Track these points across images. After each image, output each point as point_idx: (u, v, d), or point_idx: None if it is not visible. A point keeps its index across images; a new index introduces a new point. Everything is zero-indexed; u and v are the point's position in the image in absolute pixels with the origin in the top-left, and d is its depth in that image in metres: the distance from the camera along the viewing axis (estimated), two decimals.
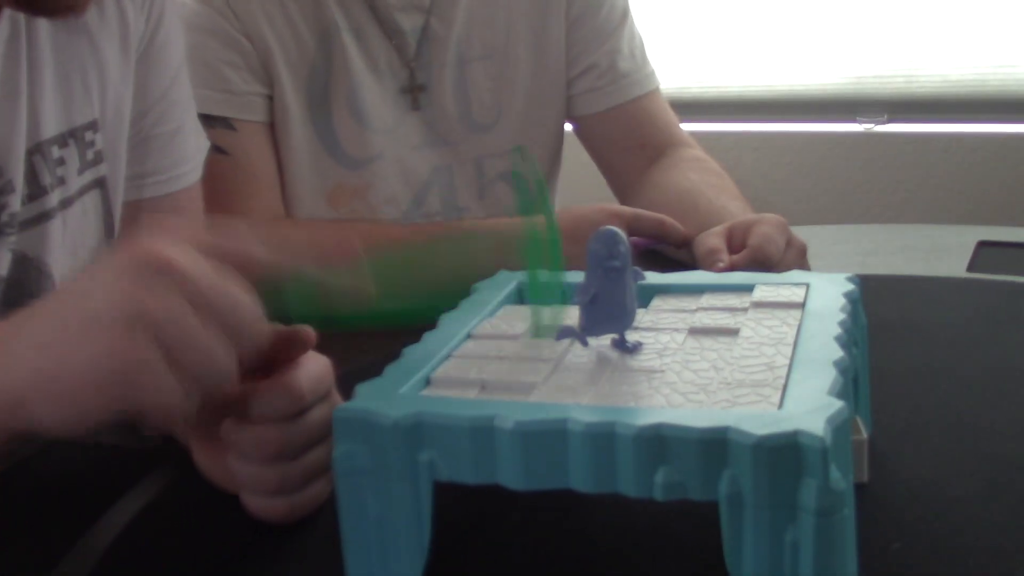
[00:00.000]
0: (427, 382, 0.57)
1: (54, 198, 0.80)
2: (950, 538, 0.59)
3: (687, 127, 1.34)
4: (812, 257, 0.97)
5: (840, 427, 0.47)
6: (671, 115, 1.34)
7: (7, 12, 0.75)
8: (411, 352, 0.60)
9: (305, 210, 1.18)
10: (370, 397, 0.54)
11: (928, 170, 2.13)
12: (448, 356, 0.60)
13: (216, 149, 1.12)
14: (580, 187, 1.51)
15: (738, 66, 2.25)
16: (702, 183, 1.18)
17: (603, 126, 1.31)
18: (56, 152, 0.80)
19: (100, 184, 0.86)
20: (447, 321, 0.65)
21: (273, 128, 1.16)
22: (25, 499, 0.72)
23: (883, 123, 2.16)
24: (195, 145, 0.97)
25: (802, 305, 0.63)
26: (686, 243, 1.05)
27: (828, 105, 2.20)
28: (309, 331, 0.61)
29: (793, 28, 2.21)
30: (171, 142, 0.93)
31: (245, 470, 0.63)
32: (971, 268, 1.08)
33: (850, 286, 0.65)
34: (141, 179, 0.92)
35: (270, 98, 1.15)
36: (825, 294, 0.64)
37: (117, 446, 0.74)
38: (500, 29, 1.24)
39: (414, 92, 1.21)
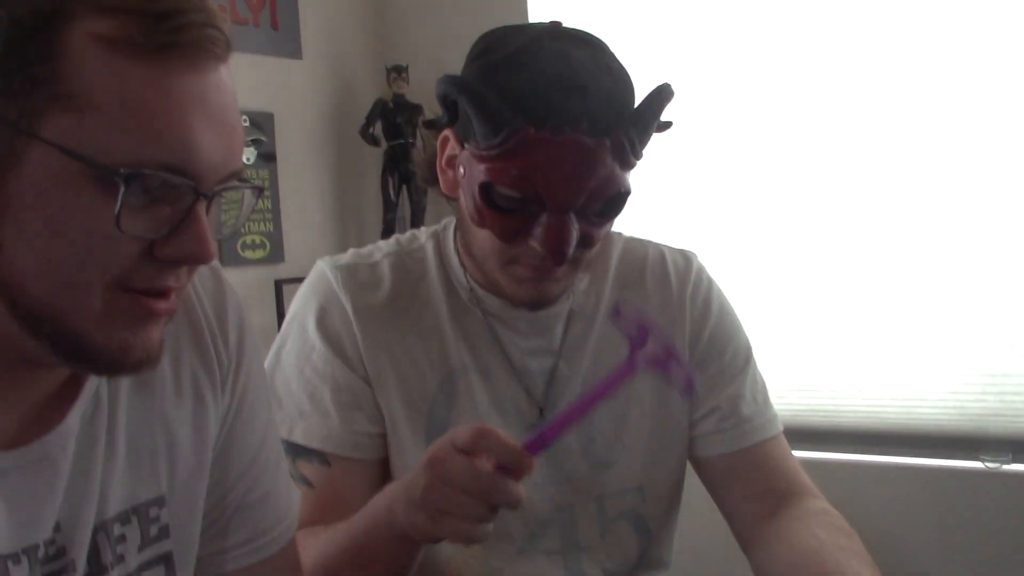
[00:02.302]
0: None
1: None
2: None
3: (803, 455, 1.30)
4: None
5: None
6: (794, 461, 1.31)
7: (90, 389, 0.76)
8: None
9: None
10: None
11: None
12: None
13: (302, 480, 1.12)
14: (702, 524, 1.47)
15: (857, 398, 2.24)
16: (831, 543, 1.13)
17: (725, 469, 1.29)
18: (118, 529, 0.79)
19: (165, 560, 0.83)
20: None
21: (387, 462, 1.17)
22: None
23: (1008, 463, 2.09)
24: (286, 503, 0.94)
25: None
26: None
27: (948, 441, 2.14)
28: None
29: (911, 363, 2.20)
30: (261, 508, 0.91)
31: None
32: None
33: None
34: (223, 554, 0.89)
35: (383, 436, 1.16)
36: None
37: None
38: None
39: None
